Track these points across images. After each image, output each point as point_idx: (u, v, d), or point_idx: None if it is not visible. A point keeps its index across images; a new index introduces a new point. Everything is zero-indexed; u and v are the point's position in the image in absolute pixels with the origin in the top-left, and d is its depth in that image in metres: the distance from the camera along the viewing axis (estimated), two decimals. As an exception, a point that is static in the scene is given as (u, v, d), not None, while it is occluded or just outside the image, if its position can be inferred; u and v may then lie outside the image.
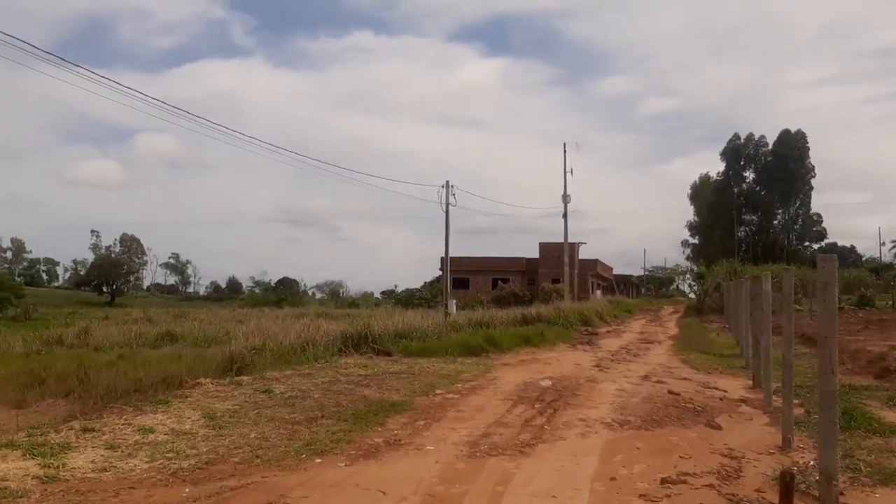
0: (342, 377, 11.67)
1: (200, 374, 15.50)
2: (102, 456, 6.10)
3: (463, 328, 21.60)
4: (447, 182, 30.93)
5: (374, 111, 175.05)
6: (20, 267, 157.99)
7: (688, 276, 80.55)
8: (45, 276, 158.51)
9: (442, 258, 34.99)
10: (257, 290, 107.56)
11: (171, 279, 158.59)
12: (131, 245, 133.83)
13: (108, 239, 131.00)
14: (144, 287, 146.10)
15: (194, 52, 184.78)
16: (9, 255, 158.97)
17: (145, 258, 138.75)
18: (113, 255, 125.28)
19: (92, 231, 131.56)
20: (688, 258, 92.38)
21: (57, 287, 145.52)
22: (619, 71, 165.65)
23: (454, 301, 31.33)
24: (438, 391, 10.79)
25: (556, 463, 6.69)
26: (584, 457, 6.96)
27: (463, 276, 59.36)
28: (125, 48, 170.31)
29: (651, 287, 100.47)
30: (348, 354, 15.38)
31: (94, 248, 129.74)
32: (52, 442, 6.33)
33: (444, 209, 30.77)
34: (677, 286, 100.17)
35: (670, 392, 11.21)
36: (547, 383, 12.03)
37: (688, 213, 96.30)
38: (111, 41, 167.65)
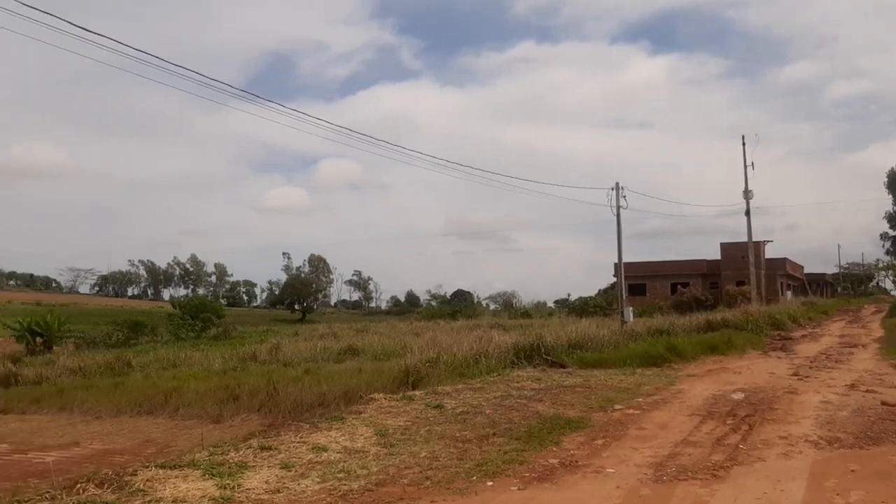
0: (514, 391, 11.31)
1: (378, 387, 15.81)
2: (276, 476, 6.13)
3: (641, 337, 20.55)
4: (616, 184, 29.77)
5: (539, 120, 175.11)
6: (223, 289, 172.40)
7: (890, 272, 72.80)
8: (245, 297, 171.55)
9: (615, 264, 33.78)
10: (434, 304, 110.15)
11: (356, 295, 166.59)
12: (318, 265, 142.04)
13: (298, 260, 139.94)
14: (332, 304, 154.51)
15: (368, 79, 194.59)
16: (213, 278, 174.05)
17: (331, 276, 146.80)
18: (302, 275, 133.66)
19: (283, 253, 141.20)
20: (888, 252, 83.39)
21: (255, 307, 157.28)
22: (799, 56, 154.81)
23: (630, 308, 30.04)
24: (618, 406, 10.13)
25: (756, 489, 5.90)
26: (789, 482, 6.12)
27: (639, 281, 57.24)
28: (305, 81, 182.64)
29: (847, 286, 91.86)
30: (521, 367, 15.00)
31: (286, 269, 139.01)
32: (231, 461, 6.47)
33: (615, 212, 29.64)
34: (878, 283, 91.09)
35: (884, 403, 9.85)
36: (739, 396, 10.98)
37: (885, 203, 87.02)
38: (292, 75, 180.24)
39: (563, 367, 15.33)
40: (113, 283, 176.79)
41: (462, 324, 36.19)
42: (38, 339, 30.45)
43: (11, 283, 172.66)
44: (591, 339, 18.35)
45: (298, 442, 7.25)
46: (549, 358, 15.96)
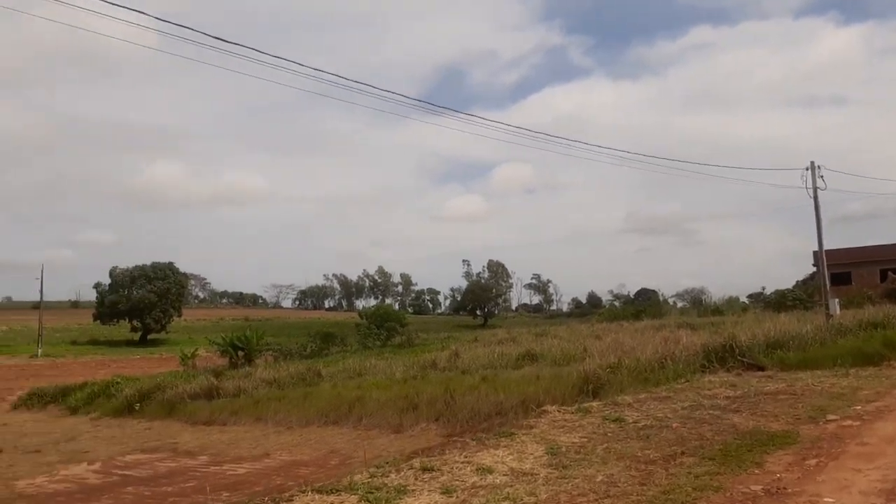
0: (705, 400, 10.09)
1: (556, 395, 15.06)
2: (436, 502, 5.64)
3: (851, 331, 18.17)
4: (812, 163, 26.81)
5: (720, 106, 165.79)
6: (409, 298, 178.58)
7: None
8: (429, 305, 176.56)
9: (815, 252, 30.57)
10: (616, 304, 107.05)
11: (536, 299, 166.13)
12: (497, 270, 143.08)
13: (478, 266, 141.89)
14: (513, 308, 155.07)
15: (538, 82, 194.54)
16: (399, 288, 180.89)
17: (510, 281, 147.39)
18: (482, 281, 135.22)
19: (463, 260, 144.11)
20: None
21: (439, 314, 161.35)
22: None
23: (836, 299, 26.91)
24: (831, 416, 8.69)
25: None
26: None
27: (843, 269, 52.11)
28: (476, 90, 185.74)
29: None
30: (712, 371, 13.59)
31: (467, 275, 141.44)
32: (390, 485, 6.07)
33: (812, 194, 26.69)
34: None
35: None
36: None
37: None
38: (464, 86, 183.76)
39: (761, 369, 13.75)
40: (311, 297, 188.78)
41: (646, 324, 34.39)
42: (240, 353, 32.59)
43: (224, 301, 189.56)
44: (793, 336, 16.41)
45: (462, 462, 6.73)
46: (744, 360, 14.41)
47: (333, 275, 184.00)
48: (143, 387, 25.59)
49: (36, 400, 30.04)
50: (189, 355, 34.49)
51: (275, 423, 18.70)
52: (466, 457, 6.90)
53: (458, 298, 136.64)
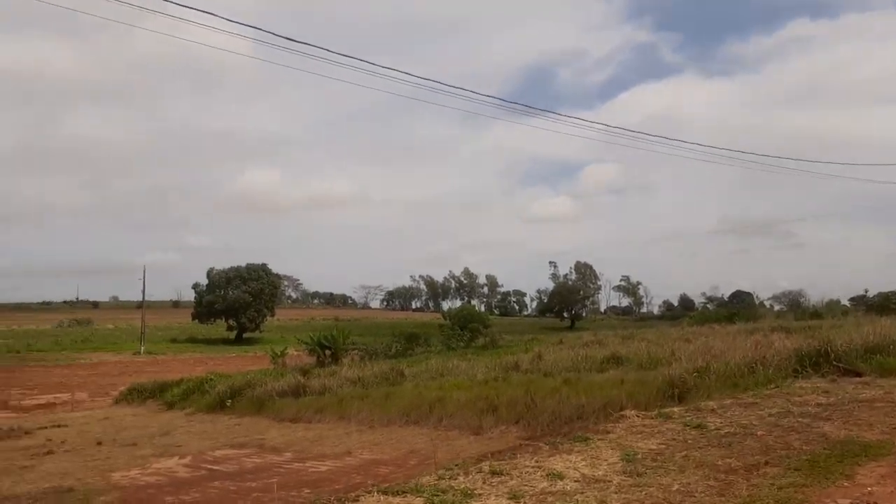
0: (795, 407, 9.55)
1: (640, 399, 14.67)
2: (502, 507, 5.54)
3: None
4: (922, 159, 25.16)
5: (821, 102, 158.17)
6: (495, 300, 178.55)
7: None
8: (515, 307, 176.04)
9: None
10: (710, 307, 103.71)
11: (625, 301, 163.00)
12: (585, 272, 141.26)
13: (565, 268, 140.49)
14: (601, 310, 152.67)
15: (627, 81, 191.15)
16: (485, 290, 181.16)
17: (598, 283, 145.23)
18: (569, 283, 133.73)
19: (550, 262, 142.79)
20: None
21: (526, 315, 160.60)
22: None
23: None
24: (933, 427, 8.08)
25: None
26: None
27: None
28: (564, 90, 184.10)
29: None
30: (805, 376, 12.90)
31: (553, 277, 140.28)
32: (457, 488, 6.00)
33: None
34: None
35: None
36: None
37: None
38: (551, 87, 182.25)
39: (858, 375, 12.96)
40: (398, 298, 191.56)
41: (739, 328, 33.03)
42: (327, 352, 33.29)
43: (315, 301, 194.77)
44: (895, 340, 15.41)
45: (533, 466, 6.59)
46: (840, 365, 13.62)
47: (420, 276, 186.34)
48: (234, 384, 26.45)
49: (136, 395, 31.53)
50: (279, 354, 35.47)
51: (357, 421, 18.96)
52: (538, 461, 6.76)
53: (545, 300, 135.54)
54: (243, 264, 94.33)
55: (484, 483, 6.11)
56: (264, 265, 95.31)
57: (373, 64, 15.05)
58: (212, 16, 11.82)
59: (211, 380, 29.03)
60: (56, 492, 12.80)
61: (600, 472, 6.36)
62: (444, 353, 35.25)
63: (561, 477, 6.22)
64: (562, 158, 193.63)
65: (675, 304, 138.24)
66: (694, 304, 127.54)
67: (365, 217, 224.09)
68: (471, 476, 6.32)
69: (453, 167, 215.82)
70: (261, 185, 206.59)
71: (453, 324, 42.13)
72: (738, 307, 73.64)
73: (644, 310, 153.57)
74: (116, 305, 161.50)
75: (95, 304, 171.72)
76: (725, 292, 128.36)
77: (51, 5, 13.78)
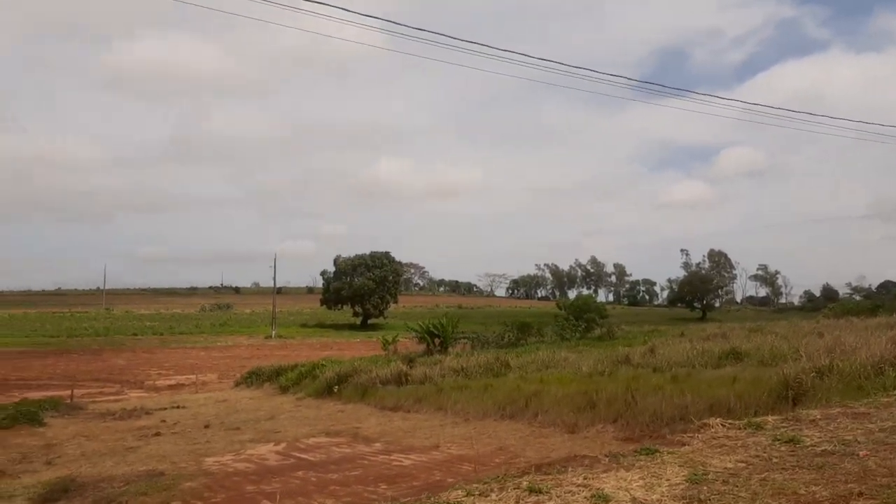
0: (917, 422, 8.03)
1: (750, 399, 13.36)
2: (528, 534, 4.78)
3: None
4: None
5: None
6: (623, 289, 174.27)
7: None
8: (645, 296, 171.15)
9: None
10: (856, 297, 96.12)
11: (763, 291, 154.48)
12: (719, 260, 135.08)
13: (697, 256, 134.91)
14: (737, 300, 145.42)
15: (767, 59, 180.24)
16: (613, 278, 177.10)
17: (733, 272, 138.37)
18: (702, 272, 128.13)
19: (681, 250, 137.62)
20: None
21: (656, 305, 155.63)
22: None
23: None
24: None
25: None
26: None
27: None
28: (699, 71, 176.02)
29: None
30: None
31: (685, 265, 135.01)
32: (484, 506, 5.30)
33: None
34: None
35: None
36: None
37: None
38: (685, 68, 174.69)
39: None
40: (523, 286, 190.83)
41: (881, 321, 29.81)
42: (436, 341, 33.12)
43: (441, 289, 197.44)
44: None
45: (579, 485, 5.74)
46: None
47: (546, 264, 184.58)
48: (342, 370, 26.76)
49: (254, 378, 32.69)
50: (390, 341, 35.71)
51: (454, 413, 18.56)
52: (586, 478, 5.90)
53: (675, 290, 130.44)
54: (371, 251, 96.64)
55: (518, 502, 5.37)
56: (387, 253, 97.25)
57: (501, 49, 14.55)
58: (345, 10, 11.88)
59: (322, 365, 29.57)
60: (149, 475, 13.12)
61: (655, 497, 5.42)
62: (557, 343, 34.22)
63: (607, 500, 5.35)
64: (696, 142, 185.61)
65: (817, 294, 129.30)
66: (838, 294, 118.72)
67: (491, 204, 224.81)
68: (506, 492, 5.58)
69: (581, 152, 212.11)
70: (390, 173, 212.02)
71: (568, 314, 40.94)
72: (885, 298, 67.43)
73: (783, 300, 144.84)
74: (256, 291, 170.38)
75: (237, 290, 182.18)
76: (873, 282, 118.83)
77: (196, 6, 14.32)
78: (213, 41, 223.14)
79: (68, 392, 29.00)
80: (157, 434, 18.52)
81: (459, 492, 5.64)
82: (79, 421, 22.27)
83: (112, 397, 30.71)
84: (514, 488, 5.67)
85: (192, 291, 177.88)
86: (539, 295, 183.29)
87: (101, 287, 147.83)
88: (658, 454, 6.75)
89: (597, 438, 14.43)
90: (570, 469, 6.28)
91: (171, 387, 35.52)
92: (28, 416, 21.05)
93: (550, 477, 6.00)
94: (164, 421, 21.28)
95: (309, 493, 11.35)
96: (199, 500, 11.04)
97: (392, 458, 13.85)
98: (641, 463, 6.46)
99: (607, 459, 6.63)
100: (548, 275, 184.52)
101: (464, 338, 36.78)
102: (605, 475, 6.03)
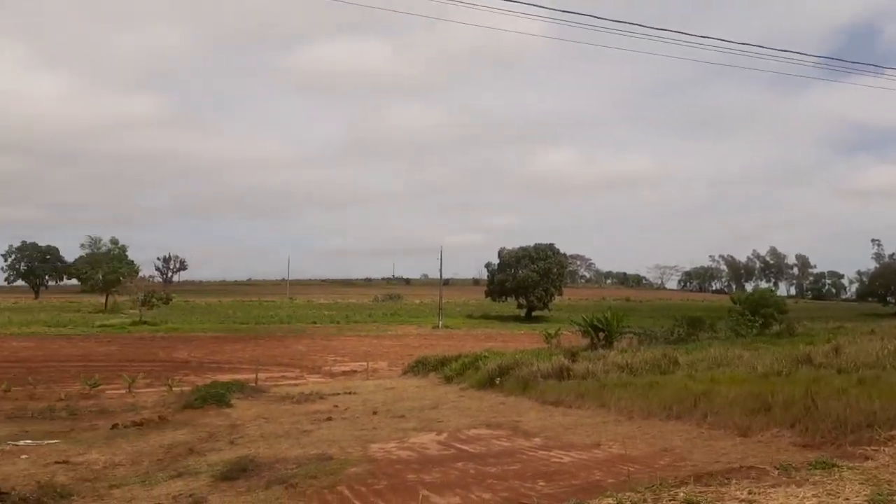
0: None
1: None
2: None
3: None
4: None
5: None
6: (806, 282, 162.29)
7: None
8: (831, 290, 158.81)
9: None
10: None
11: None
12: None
13: (891, 246, 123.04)
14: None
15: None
16: (795, 270, 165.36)
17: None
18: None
19: (872, 240, 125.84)
20: None
21: (843, 300, 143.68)
22: None
23: None
24: None
25: None
26: None
27: None
28: (890, 49, 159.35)
29: None
30: None
31: (877, 257, 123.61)
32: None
33: None
34: None
35: None
36: None
37: None
38: (876, 44, 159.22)
39: None
40: (696, 279, 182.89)
41: None
42: (600, 335, 32.43)
43: (608, 281, 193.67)
44: None
45: (743, 500, 5.30)
46: None
47: (721, 256, 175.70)
48: (503, 362, 26.87)
49: (421, 367, 33.62)
50: (553, 334, 35.42)
51: (617, 410, 18.06)
52: (751, 493, 5.45)
53: (865, 283, 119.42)
54: (535, 243, 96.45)
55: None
56: (551, 245, 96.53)
57: (676, 32, 14.01)
58: (515, 2, 12.04)
59: (485, 357, 29.86)
60: (318, 459, 13.82)
61: (830, 518, 4.92)
62: (730, 340, 32.40)
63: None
64: (890, 123, 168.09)
65: None
66: None
67: (662, 194, 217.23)
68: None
69: (760, 138, 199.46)
70: (557, 164, 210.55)
71: (743, 308, 38.57)
72: None
73: None
74: (426, 282, 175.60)
75: (407, 281, 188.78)
76: None
77: (367, 7, 15.20)
78: (387, 42, 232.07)
79: (253, 375, 31.29)
80: (329, 419, 19.47)
81: (610, 500, 5.42)
82: (261, 403, 23.94)
83: (292, 381, 32.79)
84: (670, 500, 5.37)
85: (367, 282, 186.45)
86: (713, 288, 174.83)
87: (286, 277, 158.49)
88: (836, 468, 6.15)
89: (771, 443, 13.48)
90: (733, 481, 5.86)
91: (345, 373, 37.34)
92: (216, 397, 22.90)
93: (711, 489, 5.62)
94: (336, 406, 22.36)
95: (467, 485, 11.44)
96: (362, 485, 11.45)
97: (551, 454, 13.67)
98: (816, 478, 5.90)
99: (777, 472, 6.13)
100: (723, 266, 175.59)
101: (630, 332, 35.69)
102: (772, 491, 5.56)
